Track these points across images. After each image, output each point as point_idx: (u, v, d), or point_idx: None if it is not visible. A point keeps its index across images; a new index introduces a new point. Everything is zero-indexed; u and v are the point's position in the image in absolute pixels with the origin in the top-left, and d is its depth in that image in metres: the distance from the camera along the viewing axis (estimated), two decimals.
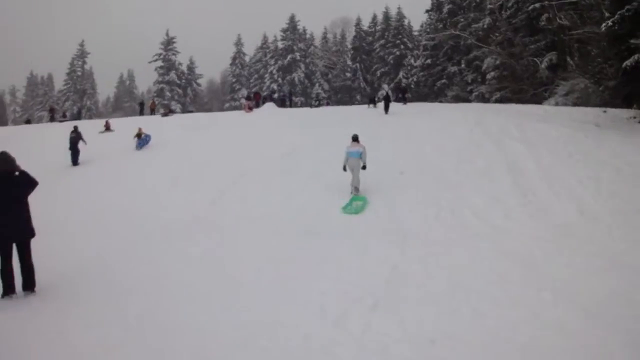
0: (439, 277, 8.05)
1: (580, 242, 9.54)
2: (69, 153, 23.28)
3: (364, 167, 14.46)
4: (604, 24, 20.44)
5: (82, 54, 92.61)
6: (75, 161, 23.23)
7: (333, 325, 6.42)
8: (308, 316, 6.73)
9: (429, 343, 5.88)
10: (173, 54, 79.48)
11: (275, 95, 54.84)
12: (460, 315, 6.57)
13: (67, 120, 46.55)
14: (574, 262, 8.35)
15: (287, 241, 10.77)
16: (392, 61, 69.97)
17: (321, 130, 23.67)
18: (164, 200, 15.38)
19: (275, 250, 10.11)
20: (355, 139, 14.88)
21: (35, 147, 27.18)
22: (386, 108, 29.85)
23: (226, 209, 14.02)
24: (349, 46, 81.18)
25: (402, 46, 70.42)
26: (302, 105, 65.52)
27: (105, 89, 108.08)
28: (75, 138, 23.55)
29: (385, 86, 36.40)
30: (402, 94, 31.36)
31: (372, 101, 33.83)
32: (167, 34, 79.27)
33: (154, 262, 9.66)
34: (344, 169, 14.67)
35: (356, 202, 13.73)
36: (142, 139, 26.47)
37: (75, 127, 24.65)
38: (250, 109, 37.00)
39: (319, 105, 50.04)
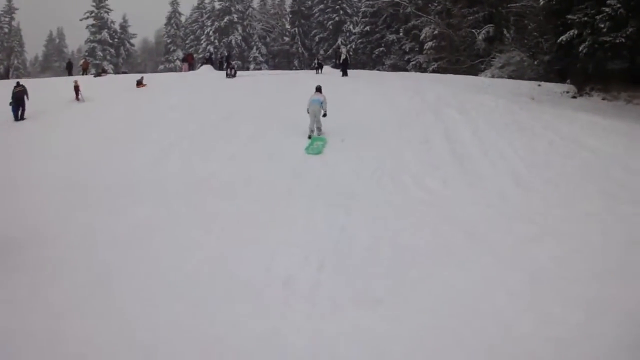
0: (384, 239, 8.17)
1: (517, 210, 9.85)
2: (9, 108, 22.10)
3: (324, 115, 16.24)
4: None
5: (9, 10, 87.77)
6: (19, 116, 22.24)
7: (283, 286, 6.45)
8: (258, 277, 6.72)
9: (376, 303, 5.97)
10: (105, 12, 76.39)
11: (213, 57, 53.76)
12: (407, 277, 6.69)
13: None
14: (513, 229, 8.63)
15: (233, 202, 10.70)
16: (331, 27, 69.43)
17: (261, 96, 23.36)
18: (102, 161, 14.92)
19: (222, 212, 10.05)
20: (318, 89, 16.72)
21: None
22: (344, 72, 29.86)
23: (168, 171, 13.74)
24: (288, 10, 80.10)
25: (341, 12, 69.89)
26: (240, 68, 64.63)
27: (34, 48, 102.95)
28: (20, 92, 22.46)
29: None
30: (343, 64, 30.91)
31: (320, 65, 33.34)
32: None
33: (96, 228, 9.41)
34: (307, 111, 16.24)
35: (317, 142, 15.53)
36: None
37: (18, 82, 23.78)
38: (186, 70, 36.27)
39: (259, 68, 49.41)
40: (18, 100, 22.21)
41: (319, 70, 32.28)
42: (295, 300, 6.12)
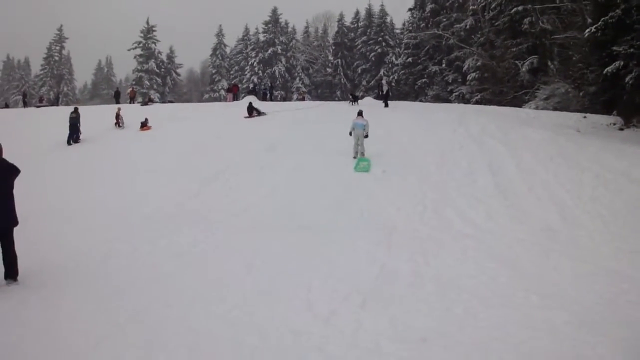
0: (427, 275, 8.08)
1: (564, 246, 9.68)
2: (61, 131, 24.29)
3: (366, 136, 17.54)
4: (587, 30, 20.64)
5: (60, 39, 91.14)
6: (74, 139, 24.29)
7: (324, 323, 6.41)
8: (299, 313, 6.71)
9: (420, 341, 5.90)
10: (153, 43, 78.48)
11: (257, 88, 54.47)
12: (451, 314, 6.61)
13: (44, 106, 45.69)
14: (559, 266, 8.46)
15: (274, 235, 10.73)
16: (373, 58, 70.00)
17: (304, 125, 23.63)
18: (146, 190, 15.24)
19: (263, 245, 10.07)
20: (360, 113, 18.66)
21: (23, 130, 26.69)
22: (386, 103, 30.41)
23: (210, 201, 13.94)
24: (331, 41, 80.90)
25: (383, 43, 70.46)
26: (283, 99, 65.30)
27: (83, 75, 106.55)
28: (76, 118, 24.54)
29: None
30: (385, 96, 31.13)
31: (355, 98, 33.59)
32: (147, 22, 78.25)
33: (140, 257, 9.49)
34: (350, 134, 17.76)
35: (363, 162, 16.77)
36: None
37: (76, 108, 26.09)
38: (231, 100, 36.82)
39: (303, 99, 49.86)
40: (72, 126, 24.29)
41: (354, 103, 32.20)
42: (336, 337, 6.08)
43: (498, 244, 9.94)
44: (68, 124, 24.44)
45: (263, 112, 27.91)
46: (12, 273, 7.77)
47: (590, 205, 12.03)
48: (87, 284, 7.91)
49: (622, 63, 18.48)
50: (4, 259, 7.73)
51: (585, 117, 22.83)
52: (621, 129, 20.03)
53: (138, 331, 6.27)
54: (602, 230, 10.51)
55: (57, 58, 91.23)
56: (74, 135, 24.35)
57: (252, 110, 27.77)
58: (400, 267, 8.56)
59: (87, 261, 9.18)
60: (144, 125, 26.35)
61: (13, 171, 7.73)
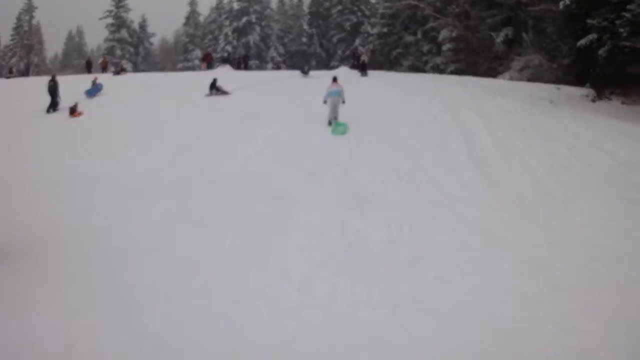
0: (400, 242, 8.14)
1: (536, 215, 9.79)
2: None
3: (343, 102, 17.54)
4: (561, 2, 20.75)
5: (29, 8, 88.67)
6: (53, 108, 23.75)
7: (299, 290, 6.45)
8: (274, 282, 6.74)
9: (394, 307, 5.97)
10: (124, 11, 76.84)
11: (231, 57, 53.84)
12: (424, 280, 6.68)
13: (14, 76, 44.77)
14: (531, 234, 8.58)
15: (248, 203, 10.70)
16: (349, 28, 69.40)
17: (279, 94, 23.48)
18: (120, 159, 15.06)
19: (238, 213, 10.05)
20: (334, 79, 18.45)
21: None
22: (364, 72, 30.65)
23: (184, 170, 13.81)
24: (306, 11, 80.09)
25: (359, 13, 69.86)
26: (257, 68, 64.74)
27: (54, 46, 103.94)
28: (53, 87, 23.90)
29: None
30: (362, 65, 30.89)
31: (305, 71, 32.37)
32: None
33: (113, 227, 9.41)
34: (324, 102, 17.66)
35: (340, 127, 16.89)
36: (93, 87, 27.03)
37: (54, 76, 25.52)
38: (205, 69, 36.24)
39: (278, 68, 49.25)
40: (52, 94, 23.77)
41: (305, 75, 31.34)
42: (312, 304, 6.12)
43: (471, 212, 10.01)
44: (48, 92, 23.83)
45: (225, 91, 25.20)
46: None
47: (563, 174, 12.16)
48: (60, 256, 7.84)
49: (595, 36, 18.69)
50: None
51: (558, 88, 23.06)
52: (593, 101, 20.31)
53: (112, 302, 6.25)
54: (574, 199, 10.64)
55: (26, 28, 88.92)
56: (53, 103, 23.75)
57: (212, 88, 25.23)
58: (374, 234, 8.62)
59: (59, 232, 9.07)
60: (74, 111, 22.96)
61: None
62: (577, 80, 22.72)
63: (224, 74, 32.71)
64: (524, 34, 34.63)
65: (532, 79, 29.20)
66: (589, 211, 9.80)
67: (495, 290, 6.39)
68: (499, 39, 35.16)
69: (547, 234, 8.61)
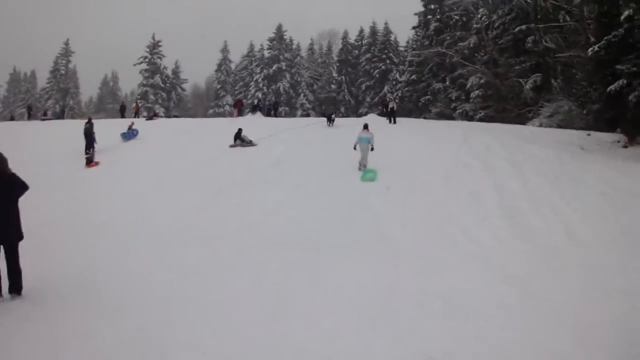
0: (434, 294, 8.03)
1: (570, 266, 9.62)
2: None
3: (372, 149, 17.78)
4: (590, 49, 20.86)
5: (66, 53, 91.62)
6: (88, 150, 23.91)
7: (330, 341, 6.40)
8: (305, 332, 6.70)
9: None
10: (158, 58, 78.89)
11: (261, 104, 54.62)
12: (460, 334, 6.57)
13: (49, 119, 45.91)
14: (567, 286, 8.39)
15: (280, 252, 10.71)
16: (377, 75, 70.27)
17: (308, 142, 23.66)
18: (151, 204, 15.27)
19: (269, 261, 10.06)
20: (365, 127, 18.90)
21: (28, 143, 26.77)
22: (393, 119, 30.66)
23: (216, 217, 13.92)
24: (335, 58, 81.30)
25: (387, 61, 70.77)
26: (287, 115, 65.46)
27: (89, 89, 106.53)
28: (89, 129, 24.28)
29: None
30: (391, 113, 30.71)
31: (330, 119, 31.23)
32: (153, 38, 78.67)
33: (146, 273, 9.45)
34: (355, 147, 18.10)
35: (369, 173, 17.18)
36: (129, 131, 28.00)
37: (90, 118, 26.15)
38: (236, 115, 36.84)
39: (307, 115, 49.51)
40: (87, 136, 23.99)
41: (330, 124, 30.58)
42: (344, 355, 6.06)
43: (504, 263, 9.87)
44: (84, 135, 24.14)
45: (250, 142, 23.83)
46: (15, 287, 7.79)
47: (597, 223, 12.01)
48: (91, 300, 7.89)
49: (625, 81, 18.65)
50: (8, 273, 7.75)
51: (589, 134, 22.93)
52: (625, 147, 20.12)
53: (144, 348, 6.27)
54: (609, 248, 10.47)
55: (63, 72, 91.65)
56: (89, 145, 23.90)
57: (237, 139, 23.90)
58: (407, 285, 8.53)
59: (91, 277, 9.16)
60: (90, 161, 23.12)
61: (19, 187, 7.75)
62: (607, 126, 22.58)
63: (254, 121, 33.22)
64: (552, 81, 34.65)
65: (562, 125, 29.11)
66: (626, 260, 9.63)
67: (533, 346, 6.25)
68: (528, 85, 35.24)
69: (583, 285, 8.44)
